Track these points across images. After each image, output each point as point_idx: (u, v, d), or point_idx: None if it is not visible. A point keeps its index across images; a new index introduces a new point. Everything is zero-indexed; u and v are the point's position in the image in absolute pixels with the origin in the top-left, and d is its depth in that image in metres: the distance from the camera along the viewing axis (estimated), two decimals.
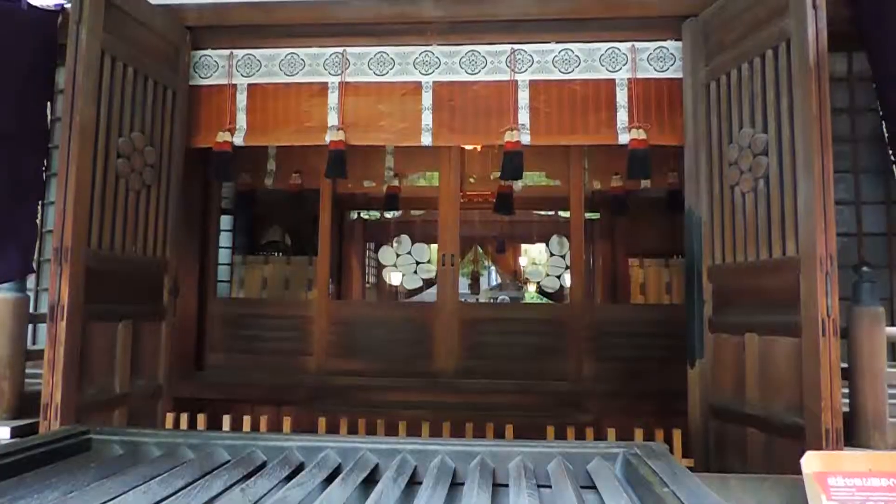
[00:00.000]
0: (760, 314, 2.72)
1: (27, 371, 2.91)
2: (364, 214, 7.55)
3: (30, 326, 3.10)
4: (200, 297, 4.54)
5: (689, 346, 3.07)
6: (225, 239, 5.84)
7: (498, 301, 10.83)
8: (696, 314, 3.05)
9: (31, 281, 3.51)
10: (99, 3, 2.79)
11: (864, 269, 2.73)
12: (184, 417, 3.10)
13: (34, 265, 3.30)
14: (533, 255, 10.50)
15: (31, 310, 3.06)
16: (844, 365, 2.56)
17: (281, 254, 6.54)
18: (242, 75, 3.49)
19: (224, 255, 5.76)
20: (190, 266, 4.39)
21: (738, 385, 2.80)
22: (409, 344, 4.36)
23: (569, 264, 5.39)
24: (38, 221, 3.26)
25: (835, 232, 2.42)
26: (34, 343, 3.48)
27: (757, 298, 2.75)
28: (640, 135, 3.23)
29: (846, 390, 2.58)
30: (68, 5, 3.16)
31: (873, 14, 3.06)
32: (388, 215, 6.76)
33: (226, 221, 5.87)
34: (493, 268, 11.84)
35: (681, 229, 3.28)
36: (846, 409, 2.56)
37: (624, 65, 3.32)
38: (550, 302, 8.31)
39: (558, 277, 6.00)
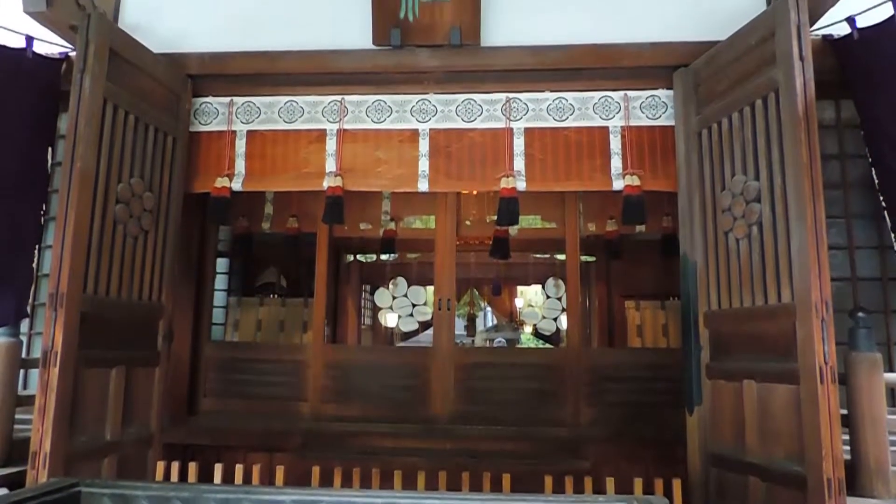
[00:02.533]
0: (758, 361, 2.71)
1: (17, 416, 2.87)
2: (360, 257, 7.55)
3: (21, 371, 3.06)
4: (194, 339, 4.50)
5: (688, 392, 3.05)
6: (220, 281, 5.83)
7: (494, 343, 10.76)
8: (694, 360, 3.04)
9: (24, 325, 3.49)
10: (103, 52, 2.86)
11: (860, 314, 2.72)
12: (175, 466, 3.03)
13: (28, 309, 3.29)
14: (529, 298, 10.52)
15: (23, 354, 3.04)
16: (844, 411, 2.54)
17: (276, 295, 6.52)
18: (242, 122, 3.55)
19: (219, 298, 5.74)
20: (185, 309, 4.36)
21: (737, 433, 2.77)
22: (404, 389, 4.30)
23: (565, 307, 5.38)
24: (34, 265, 3.26)
25: (829, 278, 2.43)
26: (25, 388, 3.44)
27: (754, 345, 2.74)
28: (635, 181, 3.27)
29: (847, 436, 2.55)
30: (73, 54, 3.23)
31: (859, 64, 3.14)
32: (385, 258, 6.77)
33: (221, 264, 5.87)
34: (489, 309, 11.82)
35: (676, 272, 3.29)
36: (848, 456, 2.52)
37: (617, 113, 3.39)
38: (547, 345, 8.27)
39: (555, 320, 5.98)
